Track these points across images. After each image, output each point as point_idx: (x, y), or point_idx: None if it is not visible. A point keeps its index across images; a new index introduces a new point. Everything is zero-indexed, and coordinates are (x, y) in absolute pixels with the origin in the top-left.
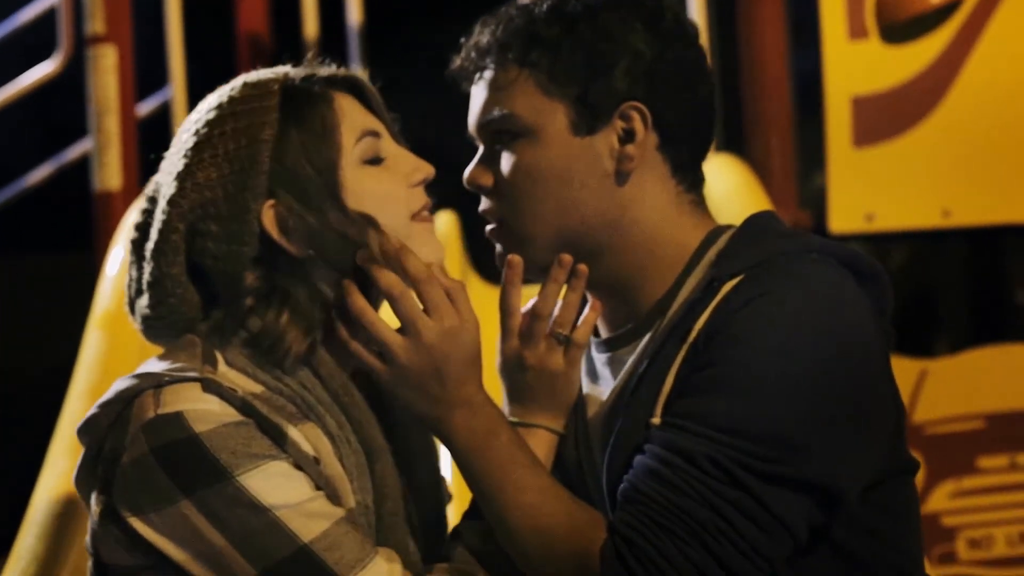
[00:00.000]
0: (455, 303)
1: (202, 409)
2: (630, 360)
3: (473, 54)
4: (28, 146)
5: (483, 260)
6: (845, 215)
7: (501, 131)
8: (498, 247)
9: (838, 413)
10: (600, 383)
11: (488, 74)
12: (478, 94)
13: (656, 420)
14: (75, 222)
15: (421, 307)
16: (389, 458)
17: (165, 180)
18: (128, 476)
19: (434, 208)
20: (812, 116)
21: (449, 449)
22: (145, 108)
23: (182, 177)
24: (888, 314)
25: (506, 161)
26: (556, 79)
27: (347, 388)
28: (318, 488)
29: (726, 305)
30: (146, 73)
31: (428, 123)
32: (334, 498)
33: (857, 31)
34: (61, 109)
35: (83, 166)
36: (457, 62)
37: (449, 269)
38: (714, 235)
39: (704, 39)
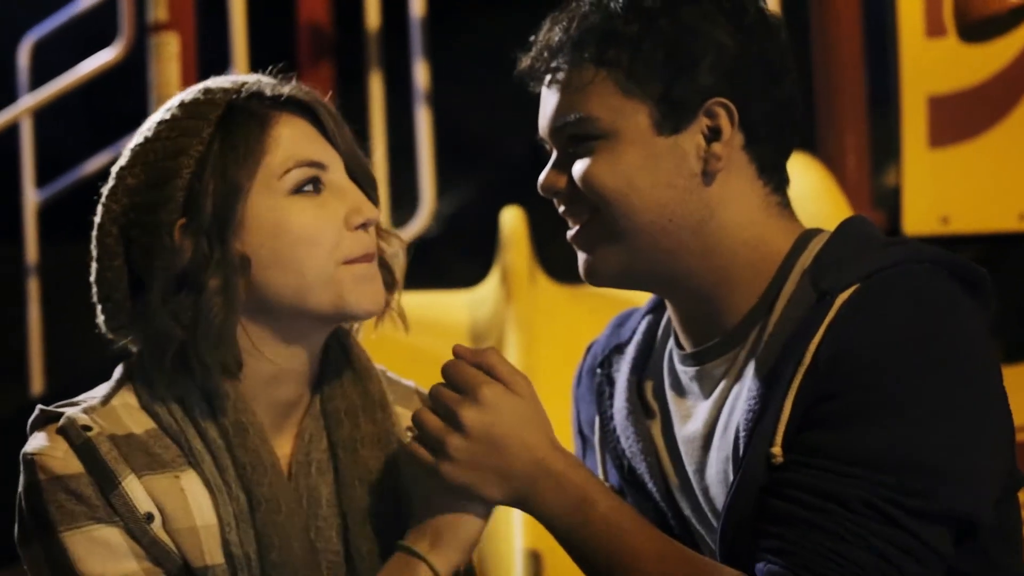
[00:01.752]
0: (493, 371)
1: (47, 456)
2: (723, 380)
3: (545, 53)
4: (84, 135)
5: (550, 258)
6: (920, 217)
7: (578, 135)
8: (581, 256)
9: (973, 434)
10: (688, 398)
11: (562, 75)
12: (551, 96)
13: (777, 452)
14: None
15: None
16: (279, 506)
17: (111, 178)
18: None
19: (505, 201)
20: (884, 114)
21: (545, 526)
22: None
23: (117, 178)
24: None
25: (587, 164)
26: (636, 78)
27: (241, 428)
28: (148, 551)
29: (845, 325)
30: (206, 63)
31: (490, 117)
32: (186, 553)
33: (935, 29)
34: (118, 97)
35: None
36: (526, 62)
37: (517, 267)
38: (804, 240)
39: None
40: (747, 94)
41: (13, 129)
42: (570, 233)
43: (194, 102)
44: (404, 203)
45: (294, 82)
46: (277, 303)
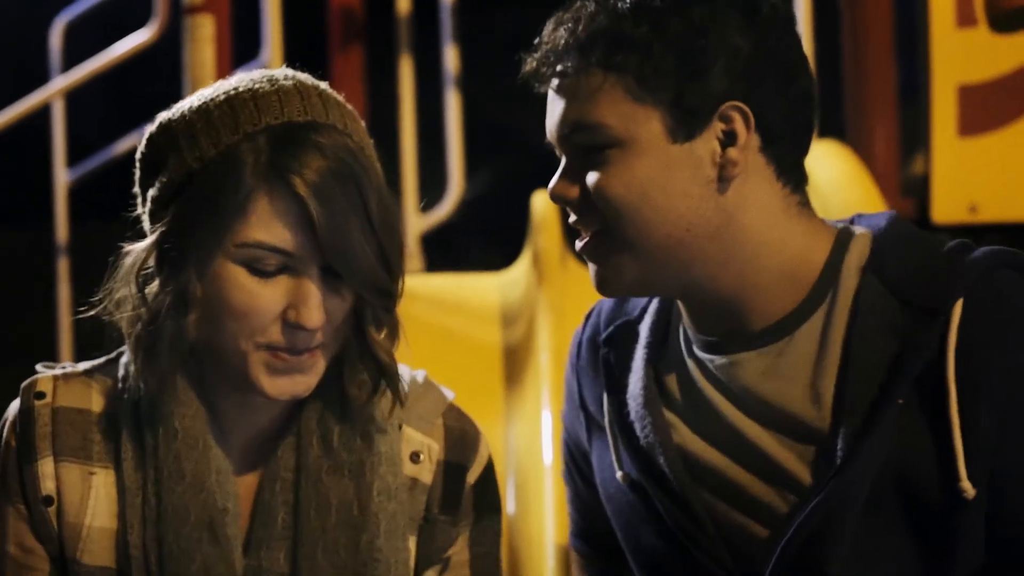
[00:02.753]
0: None
1: (5, 418)
2: (767, 375)
3: (550, 56)
4: (116, 116)
5: None
6: (948, 205)
7: (589, 144)
8: (592, 267)
9: None
10: (712, 386)
11: (568, 80)
12: (557, 100)
13: (968, 487)
14: None
15: None
16: (187, 517)
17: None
18: None
19: (533, 185)
20: (914, 103)
21: None
22: None
23: (155, 130)
24: None
25: (598, 174)
26: (646, 83)
27: (171, 433)
28: (37, 533)
29: (983, 346)
30: (239, 46)
31: (520, 104)
32: (65, 544)
33: (965, 19)
34: (150, 79)
35: None
36: (531, 64)
37: (548, 251)
38: (842, 243)
39: (806, 22)
40: (763, 95)
41: (44, 111)
42: (580, 244)
43: (227, 112)
44: (432, 187)
45: (326, 140)
46: (214, 355)
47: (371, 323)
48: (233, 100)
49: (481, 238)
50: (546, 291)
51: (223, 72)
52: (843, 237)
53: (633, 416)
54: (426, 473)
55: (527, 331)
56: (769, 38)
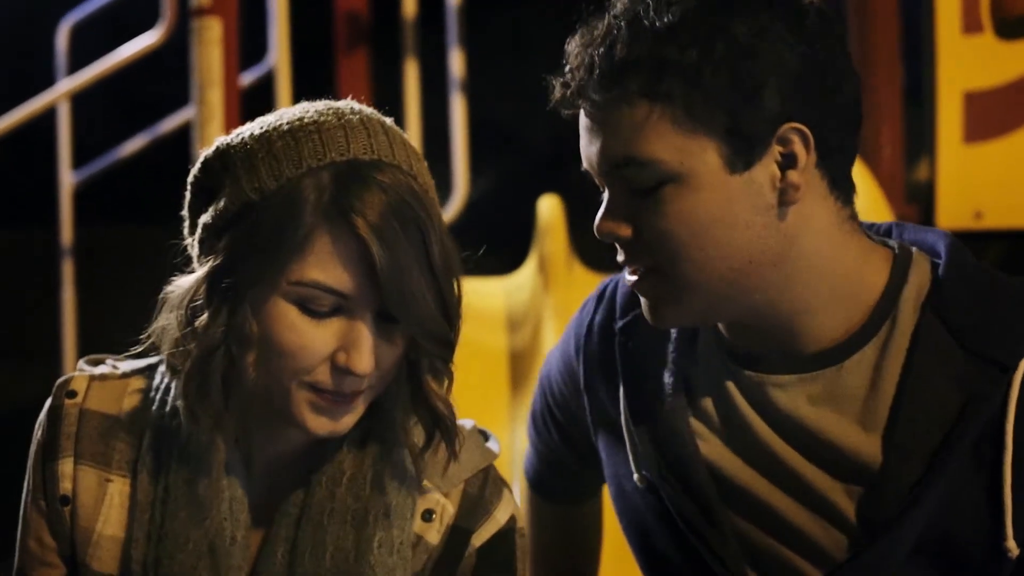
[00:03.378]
0: None
1: (42, 416)
2: (807, 404)
3: (584, 82)
4: (122, 118)
5: (587, 247)
6: (953, 212)
7: (641, 181)
8: (645, 301)
9: None
10: (745, 399)
11: (608, 111)
12: (595, 131)
13: (1013, 547)
14: (168, 195)
15: None
16: (185, 544)
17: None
18: None
19: (538, 188)
20: (919, 109)
21: None
22: (245, 80)
23: (211, 154)
24: None
25: (653, 212)
26: (696, 112)
27: (187, 458)
28: (53, 530)
29: None
30: (246, 48)
31: (526, 107)
32: (76, 546)
33: (971, 25)
34: (155, 81)
35: (178, 138)
36: (560, 91)
37: (555, 255)
38: (901, 269)
39: None
40: (817, 110)
41: (50, 113)
42: (631, 278)
43: (290, 144)
44: (437, 190)
45: (389, 180)
46: (261, 390)
47: (428, 372)
48: (297, 132)
49: (487, 242)
50: (552, 295)
51: (230, 75)
52: (901, 262)
53: (657, 416)
54: (434, 533)
55: (533, 335)
56: (817, 49)
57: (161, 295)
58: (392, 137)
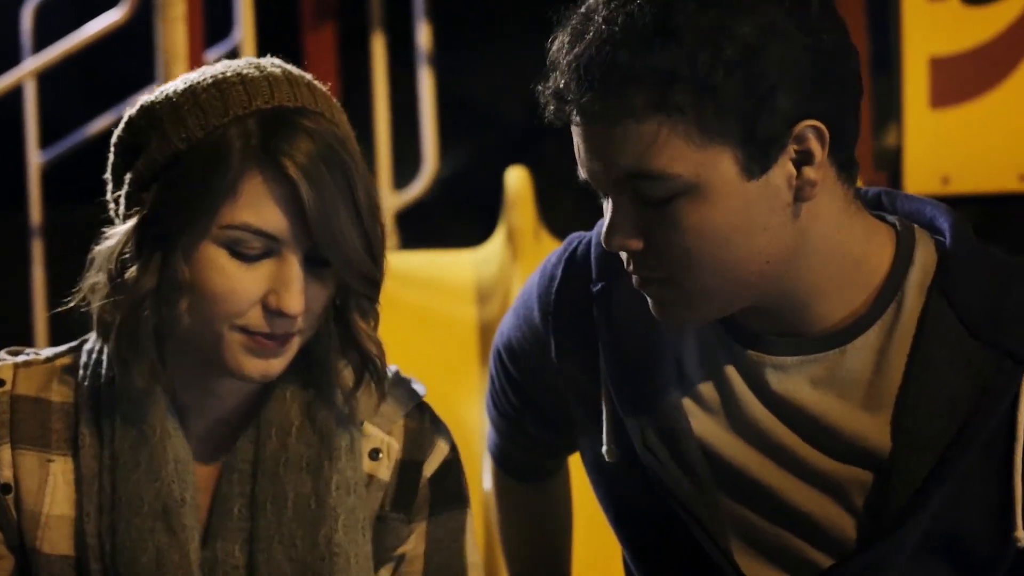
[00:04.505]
0: None
1: None
2: (809, 386)
3: (578, 90)
4: (88, 96)
5: (555, 218)
6: (920, 177)
7: (652, 194)
8: (654, 302)
9: None
10: (740, 376)
11: (613, 127)
12: (600, 145)
13: (1021, 535)
14: None
15: None
16: (140, 507)
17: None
18: None
19: (506, 162)
20: (886, 75)
21: None
22: (211, 57)
23: (136, 111)
24: None
25: (668, 226)
26: (709, 120)
27: (128, 422)
28: None
29: None
30: (211, 25)
31: (494, 81)
32: (24, 533)
33: None
34: (122, 59)
35: None
36: (551, 98)
37: (522, 227)
38: (906, 250)
39: None
40: (828, 102)
41: (16, 92)
42: (637, 279)
43: (215, 95)
44: (406, 165)
45: (315, 125)
46: (192, 337)
47: (356, 311)
48: (221, 84)
49: (455, 215)
50: (520, 267)
51: (195, 52)
52: (905, 241)
53: (643, 390)
54: (384, 470)
55: (502, 307)
56: (823, 38)
57: (90, 254)
58: (313, 88)
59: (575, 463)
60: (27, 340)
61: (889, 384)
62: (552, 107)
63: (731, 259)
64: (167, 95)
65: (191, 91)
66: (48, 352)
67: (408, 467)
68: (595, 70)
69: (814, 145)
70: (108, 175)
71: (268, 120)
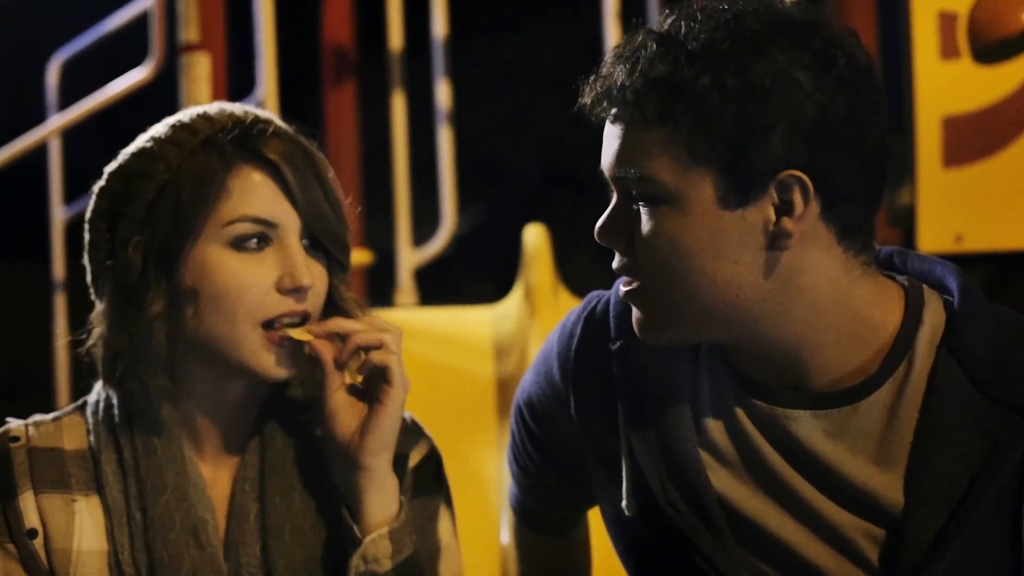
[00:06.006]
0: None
1: None
2: (826, 440)
3: (607, 94)
4: (112, 153)
5: (573, 275)
6: (934, 235)
7: (641, 193)
8: (636, 313)
9: None
10: (753, 430)
11: (624, 125)
12: (613, 139)
13: None
14: None
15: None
16: (172, 524)
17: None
18: None
19: (525, 219)
20: (899, 135)
21: None
22: None
23: (106, 177)
24: None
25: (646, 226)
26: (700, 142)
27: (150, 448)
28: (26, 565)
29: None
30: (235, 83)
31: (512, 138)
32: (56, 572)
33: (949, 51)
34: (146, 116)
35: None
36: (587, 97)
37: (540, 284)
38: (915, 310)
39: None
40: (827, 161)
41: (42, 148)
42: (625, 289)
43: (181, 127)
44: (425, 222)
45: (281, 128)
46: (210, 343)
47: (340, 284)
48: (184, 122)
49: (474, 272)
50: (538, 323)
51: None
52: (914, 302)
53: (663, 443)
54: None
55: (520, 363)
56: (840, 98)
57: (89, 317)
58: (272, 118)
59: (593, 515)
60: (49, 393)
61: (901, 440)
62: (588, 102)
63: (697, 280)
64: (137, 145)
65: (156, 137)
66: (52, 415)
67: (397, 459)
68: (624, 75)
69: (796, 197)
70: (89, 221)
71: (239, 128)
